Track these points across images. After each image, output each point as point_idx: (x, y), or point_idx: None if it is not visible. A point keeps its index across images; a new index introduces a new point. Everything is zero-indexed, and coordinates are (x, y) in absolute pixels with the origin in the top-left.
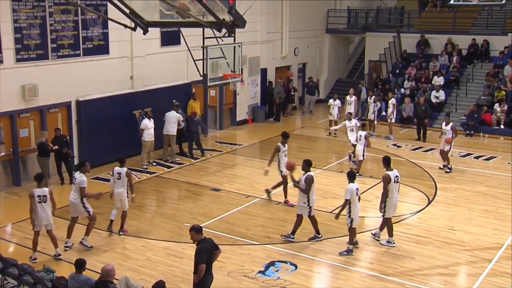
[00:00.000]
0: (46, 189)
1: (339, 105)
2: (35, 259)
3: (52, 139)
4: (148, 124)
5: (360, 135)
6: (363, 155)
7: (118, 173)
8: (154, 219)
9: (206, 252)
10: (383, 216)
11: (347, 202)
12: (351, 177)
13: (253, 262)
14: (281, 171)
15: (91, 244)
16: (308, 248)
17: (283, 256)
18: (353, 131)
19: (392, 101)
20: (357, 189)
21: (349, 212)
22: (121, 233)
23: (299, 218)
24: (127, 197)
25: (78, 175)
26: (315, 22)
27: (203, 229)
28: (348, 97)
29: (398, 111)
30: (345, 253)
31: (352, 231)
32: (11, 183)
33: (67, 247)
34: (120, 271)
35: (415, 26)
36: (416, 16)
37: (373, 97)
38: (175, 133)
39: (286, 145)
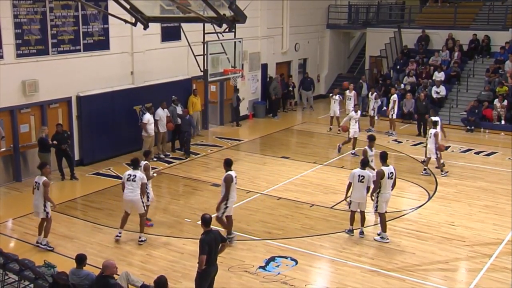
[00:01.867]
0: (42, 177)
1: (341, 99)
2: (38, 243)
3: (53, 135)
4: (150, 119)
5: (430, 133)
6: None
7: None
8: (154, 215)
9: (209, 243)
10: (375, 211)
11: (349, 185)
12: (361, 164)
13: (253, 258)
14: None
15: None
16: (308, 244)
17: (284, 251)
18: (357, 122)
19: (394, 97)
20: (361, 175)
21: (349, 194)
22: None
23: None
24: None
25: (138, 172)
26: (315, 17)
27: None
28: (347, 92)
29: (399, 107)
30: (347, 231)
31: (351, 214)
32: (11, 178)
33: (118, 236)
34: (121, 266)
35: (416, 22)
36: (417, 12)
37: (375, 93)
38: (160, 130)
39: (373, 148)
